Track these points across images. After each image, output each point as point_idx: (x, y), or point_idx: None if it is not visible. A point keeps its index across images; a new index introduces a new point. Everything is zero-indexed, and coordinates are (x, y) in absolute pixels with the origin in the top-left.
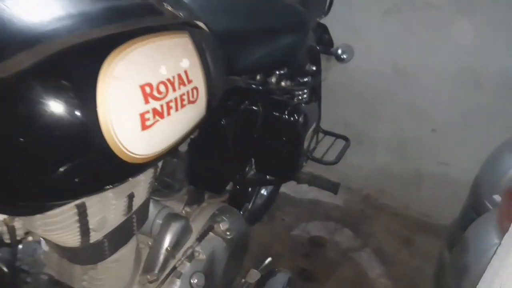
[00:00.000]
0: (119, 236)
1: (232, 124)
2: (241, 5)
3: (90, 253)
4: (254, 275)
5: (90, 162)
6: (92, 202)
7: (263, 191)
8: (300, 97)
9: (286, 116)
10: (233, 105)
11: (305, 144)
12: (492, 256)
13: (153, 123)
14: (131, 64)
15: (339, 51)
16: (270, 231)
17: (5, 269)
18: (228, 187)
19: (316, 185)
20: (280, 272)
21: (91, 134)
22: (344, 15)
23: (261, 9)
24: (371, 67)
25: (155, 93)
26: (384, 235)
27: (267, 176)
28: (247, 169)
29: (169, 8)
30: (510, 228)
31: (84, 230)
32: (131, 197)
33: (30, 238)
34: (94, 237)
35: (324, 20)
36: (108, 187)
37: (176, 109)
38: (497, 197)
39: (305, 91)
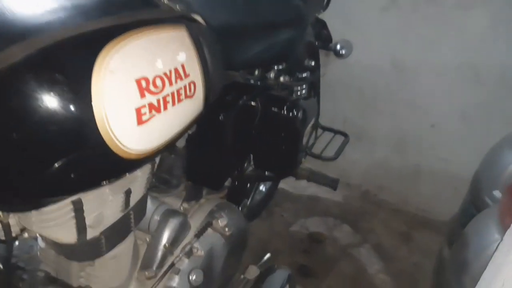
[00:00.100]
0: (117, 233)
1: (230, 120)
2: None
3: (87, 250)
4: (253, 271)
5: (85, 158)
6: (89, 198)
7: (262, 187)
8: (298, 93)
9: (285, 112)
10: (231, 100)
11: (304, 140)
12: (493, 252)
13: (150, 118)
14: (127, 58)
15: (338, 47)
16: (269, 227)
17: (1, 266)
18: (227, 183)
19: (315, 181)
20: (280, 268)
21: (86, 129)
22: (343, 10)
23: (259, 3)
24: (370, 62)
25: (151, 87)
26: (383, 231)
27: (266, 172)
28: (245, 165)
29: (166, 1)
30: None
31: (81, 227)
32: (128, 193)
33: (26, 235)
34: (91, 233)
35: (323, 15)
36: (104, 183)
37: (173, 104)
38: (497, 193)
39: (304, 86)
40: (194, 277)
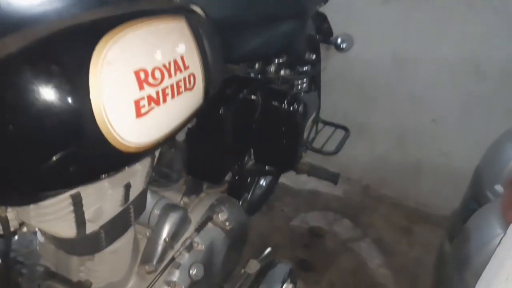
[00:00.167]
0: (116, 227)
1: (231, 114)
2: None
3: (86, 244)
4: (253, 266)
5: (83, 151)
6: (88, 192)
7: (262, 182)
8: (299, 86)
9: (286, 106)
10: (231, 94)
11: (305, 134)
12: (496, 247)
13: (149, 111)
14: (125, 49)
15: (339, 40)
16: (269, 221)
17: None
18: (227, 178)
19: (316, 175)
20: (281, 263)
21: (84, 121)
22: (344, 4)
23: None
24: (371, 56)
25: (150, 79)
26: (384, 226)
27: (266, 167)
28: (246, 159)
29: None
30: None
31: (80, 221)
32: (127, 187)
33: (24, 229)
34: (91, 227)
35: (324, 9)
36: (102, 176)
37: (172, 96)
38: (499, 187)
39: (305, 80)
40: (194, 272)
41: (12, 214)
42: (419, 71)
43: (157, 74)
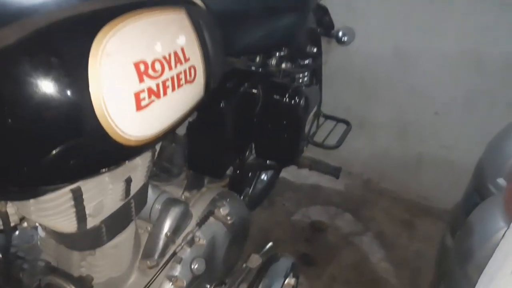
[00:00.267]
0: (117, 222)
1: (231, 107)
2: None
3: (87, 239)
4: (255, 260)
5: (83, 144)
6: (88, 187)
7: (263, 176)
8: (300, 80)
9: (287, 99)
10: (232, 87)
11: (306, 128)
12: (500, 241)
13: (149, 103)
14: (124, 40)
15: (340, 34)
16: (271, 216)
17: (0, 256)
18: (228, 172)
19: (317, 169)
20: (284, 257)
21: (83, 114)
22: None
23: None
24: (372, 49)
25: (150, 71)
26: (385, 219)
27: (268, 161)
28: (247, 153)
29: None
30: None
31: (81, 216)
32: (128, 181)
33: (25, 224)
34: (91, 222)
35: (325, 2)
36: (103, 170)
37: (173, 89)
38: (502, 181)
39: (306, 73)
40: (196, 266)
41: (12, 209)
42: (420, 64)
43: (157, 66)
